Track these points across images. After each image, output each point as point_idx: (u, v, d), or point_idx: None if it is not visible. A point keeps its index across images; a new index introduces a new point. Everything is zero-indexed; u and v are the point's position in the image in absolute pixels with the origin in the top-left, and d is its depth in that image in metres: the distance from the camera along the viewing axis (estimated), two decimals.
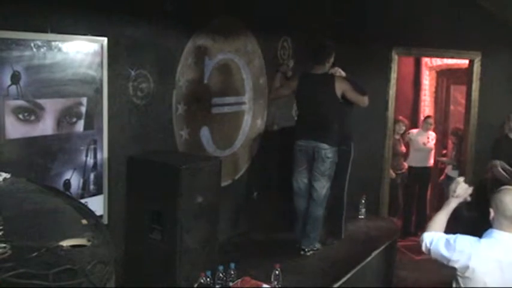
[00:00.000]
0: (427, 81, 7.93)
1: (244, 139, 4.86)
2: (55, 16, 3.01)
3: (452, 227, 2.79)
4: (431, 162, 6.94)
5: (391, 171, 6.38)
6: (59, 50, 3.04)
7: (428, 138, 6.82)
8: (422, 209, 7.07)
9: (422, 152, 6.76)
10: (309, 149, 4.26)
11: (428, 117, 7.08)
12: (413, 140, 6.79)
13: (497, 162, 4.89)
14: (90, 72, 3.26)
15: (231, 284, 3.46)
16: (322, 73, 4.29)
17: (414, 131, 6.95)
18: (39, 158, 3.00)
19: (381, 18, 5.72)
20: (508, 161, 4.88)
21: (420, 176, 6.86)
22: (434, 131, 7.27)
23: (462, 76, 6.48)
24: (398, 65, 6.07)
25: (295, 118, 4.87)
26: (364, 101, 4.33)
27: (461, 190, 2.77)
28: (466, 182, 2.81)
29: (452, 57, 6.54)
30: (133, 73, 3.58)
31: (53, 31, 2.99)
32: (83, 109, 3.25)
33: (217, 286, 3.38)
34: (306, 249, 4.33)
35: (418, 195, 7.01)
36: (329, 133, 4.22)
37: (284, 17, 5.11)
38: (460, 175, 6.10)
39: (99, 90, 3.33)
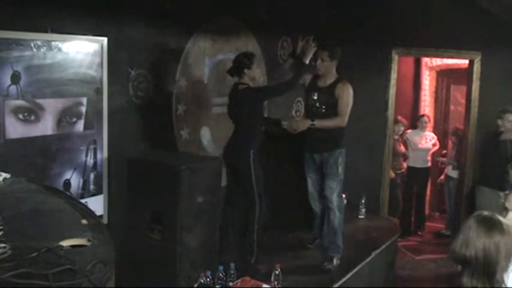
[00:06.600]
0: (427, 81, 7.92)
1: None
2: (55, 16, 3.01)
3: None
4: (429, 163, 6.91)
5: (391, 171, 6.38)
6: (59, 50, 3.05)
7: (426, 138, 6.80)
8: (421, 209, 7.06)
9: (419, 152, 6.74)
10: None
11: (421, 116, 7.05)
12: (410, 140, 6.78)
13: None
14: (90, 72, 3.26)
15: (231, 284, 3.46)
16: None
17: (410, 131, 6.94)
18: (39, 158, 3.00)
19: (381, 18, 5.72)
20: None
21: (419, 176, 6.84)
22: (434, 131, 7.26)
23: (462, 76, 6.47)
24: (398, 65, 6.06)
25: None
26: None
27: None
28: None
29: (452, 57, 6.53)
30: (133, 73, 3.58)
31: (53, 31, 2.99)
32: (83, 109, 3.25)
33: (217, 286, 3.38)
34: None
35: (417, 195, 7.01)
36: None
37: (284, 17, 5.11)
38: (460, 175, 6.11)
39: (99, 90, 3.33)
